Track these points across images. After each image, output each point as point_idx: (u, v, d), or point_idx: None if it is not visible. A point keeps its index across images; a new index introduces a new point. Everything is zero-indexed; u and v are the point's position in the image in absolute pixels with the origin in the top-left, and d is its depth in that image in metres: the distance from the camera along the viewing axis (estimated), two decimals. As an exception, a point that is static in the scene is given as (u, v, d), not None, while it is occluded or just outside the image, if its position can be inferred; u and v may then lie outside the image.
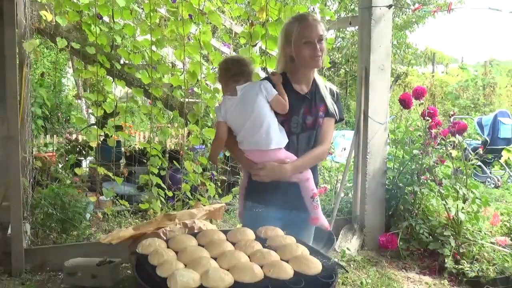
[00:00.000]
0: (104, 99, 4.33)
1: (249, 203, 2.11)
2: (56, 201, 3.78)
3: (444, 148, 3.73)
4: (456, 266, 3.27)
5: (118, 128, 4.61)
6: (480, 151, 3.91)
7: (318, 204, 2.02)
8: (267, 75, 2.14)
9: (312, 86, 2.08)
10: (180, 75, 4.29)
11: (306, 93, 2.06)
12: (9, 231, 3.30)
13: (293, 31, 2.02)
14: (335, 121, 2.11)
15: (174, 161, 4.60)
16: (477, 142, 7.16)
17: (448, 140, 3.67)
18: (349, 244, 3.80)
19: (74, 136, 6.98)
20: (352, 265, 3.51)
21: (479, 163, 5.23)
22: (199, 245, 1.67)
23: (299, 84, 2.07)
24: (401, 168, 3.97)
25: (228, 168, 4.86)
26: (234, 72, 2.00)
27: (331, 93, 2.12)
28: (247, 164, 2.00)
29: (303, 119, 2.03)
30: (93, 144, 4.24)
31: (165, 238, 2.10)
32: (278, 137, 1.93)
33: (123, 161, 5.66)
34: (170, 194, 4.28)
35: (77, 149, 5.58)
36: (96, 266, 3.02)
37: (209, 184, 4.25)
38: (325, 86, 2.11)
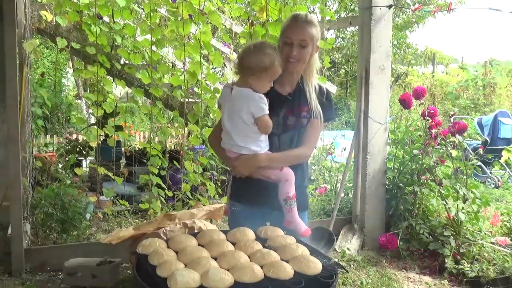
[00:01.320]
0: (104, 99, 4.32)
1: (232, 202, 2.15)
2: (56, 201, 3.78)
3: (444, 148, 3.73)
4: (456, 266, 3.26)
5: (118, 128, 4.61)
6: (480, 151, 3.90)
7: (292, 208, 1.96)
8: None
9: (297, 87, 2.06)
10: (180, 75, 4.29)
11: (288, 94, 2.05)
12: (9, 231, 3.30)
13: (283, 27, 2.04)
14: (322, 121, 2.07)
15: (174, 161, 4.60)
16: (477, 142, 7.16)
17: (448, 140, 3.67)
18: (349, 244, 3.80)
19: (74, 136, 6.98)
20: (352, 265, 3.51)
21: (479, 163, 5.22)
22: (199, 245, 1.67)
23: (281, 85, 2.05)
24: (401, 168, 3.97)
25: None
26: (240, 70, 1.95)
27: (320, 92, 2.08)
28: (226, 160, 2.06)
29: (284, 120, 2.02)
30: (93, 144, 4.24)
31: (165, 238, 2.11)
32: (254, 147, 1.93)
33: (123, 161, 5.66)
34: (170, 194, 4.28)
35: (77, 149, 5.58)
36: (96, 266, 3.02)
37: (209, 184, 4.25)
38: (315, 86, 2.07)
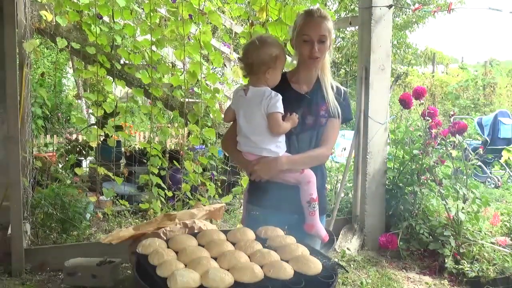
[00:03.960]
0: (104, 99, 4.33)
1: (250, 207, 2.09)
2: (56, 201, 3.78)
3: (444, 148, 3.73)
4: (456, 266, 3.27)
5: (118, 128, 4.61)
6: (480, 151, 3.90)
7: (315, 211, 1.90)
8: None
9: (314, 86, 2.03)
10: (180, 75, 4.29)
11: (306, 93, 2.01)
12: (9, 231, 3.30)
13: (297, 25, 1.98)
14: (340, 121, 2.03)
15: (174, 161, 4.60)
16: (477, 142, 7.16)
17: (448, 140, 3.67)
18: (349, 244, 3.80)
19: (74, 136, 6.98)
20: (352, 265, 3.51)
21: (479, 163, 5.22)
22: (199, 245, 1.67)
23: (298, 83, 2.02)
24: (401, 168, 3.97)
25: (228, 168, 4.86)
26: (252, 69, 1.88)
27: (338, 92, 2.04)
28: (244, 164, 1.96)
29: (303, 119, 1.97)
30: (93, 144, 4.24)
31: (165, 238, 2.10)
32: (274, 148, 1.87)
33: (123, 161, 5.66)
34: (170, 194, 4.28)
35: (77, 149, 5.58)
36: (96, 266, 3.02)
37: (209, 184, 4.25)
38: (332, 85, 2.03)
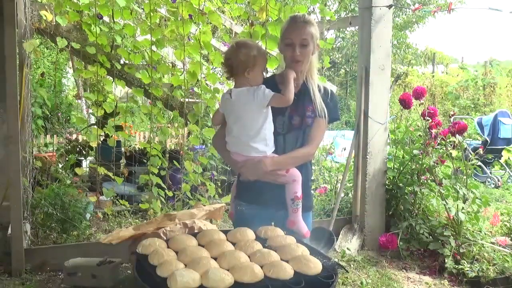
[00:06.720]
0: (104, 99, 4.32)
1: (238, 202, 2.15)
2: (56, 201, 3.78)
3: (444, 148, 3.73)
4: (456, 266, 3.27)
5: (118, 128, 4.61)
6: (480, 151, 3.90)
7: (298, 209, 1.97)
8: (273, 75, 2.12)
9: (301, 87, 2.07)
10: (180, 75, 4.29)
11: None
12: (9, 231, 3.30)
13: (282, 30, 2.06)
14: (327, 121, 2.08)
15: (174, 161, 4.60)
16: (477, 142, 7.17)
17: (448, 140, 3.67)
18: (349, 244, 3.80)
19: (74, 136, 6.98)
20: (352, 265, 3.51)
21: (479, 163, 5.23)
22: (199, 245, 1.67)
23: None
24: (401, 168, 3.97)
25: (228, 168, 4.86)
26: (232, 71, 1.96)
27: (325, 92, 2.10)
28: (233, 164, 2.05)
29: (289, 119, 2.03)
30: (93, 144, 4.24)
31: (165, 238, 2.10)
32: (262, 147, 1.93)
33: (123, 161, 5.66)
34: (170, 194, 4.28)
35: (77, 149, 5.58)
36: (96, 266, 3.02)
37: (209, 184, 4.25)
38: (319, 87, 2.09)
